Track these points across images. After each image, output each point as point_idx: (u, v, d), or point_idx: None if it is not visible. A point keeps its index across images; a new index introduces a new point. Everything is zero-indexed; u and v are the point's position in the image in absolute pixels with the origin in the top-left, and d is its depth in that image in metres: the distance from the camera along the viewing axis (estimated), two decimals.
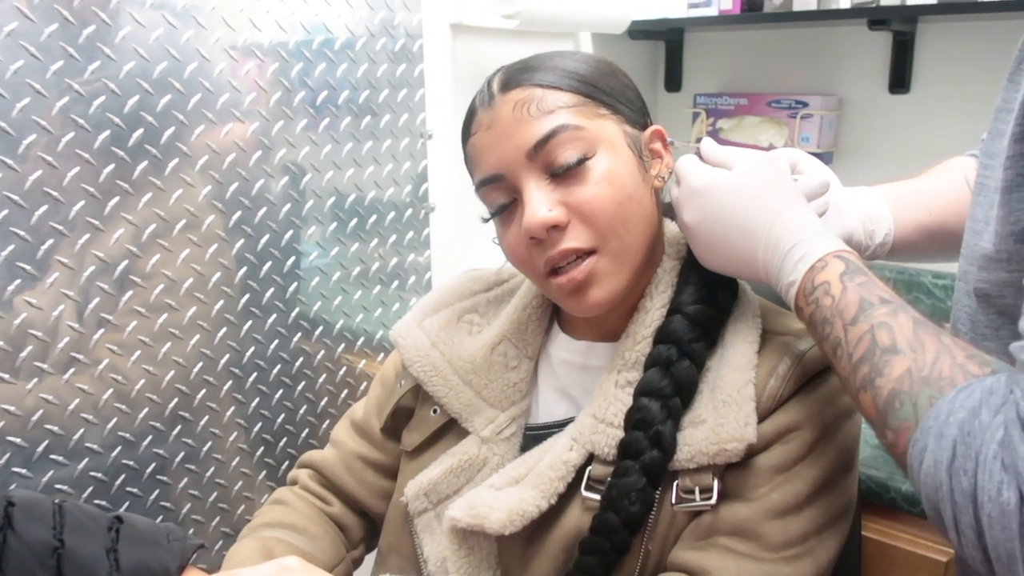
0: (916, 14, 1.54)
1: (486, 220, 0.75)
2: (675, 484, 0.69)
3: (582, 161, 0.68)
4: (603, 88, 0.72)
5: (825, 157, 1.79)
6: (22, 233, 0.94)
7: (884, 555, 1.15)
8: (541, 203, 0.68)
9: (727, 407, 0.67)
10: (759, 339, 0.71)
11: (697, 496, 0.68)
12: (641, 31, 1.87)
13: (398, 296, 1.45)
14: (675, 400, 0.69)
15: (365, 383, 1.40)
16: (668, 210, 0.83)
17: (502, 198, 0.72)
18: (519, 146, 0.68)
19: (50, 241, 0.96)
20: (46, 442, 0.98)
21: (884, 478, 1.13)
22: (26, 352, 0.96)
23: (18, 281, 0.94)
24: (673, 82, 2.07)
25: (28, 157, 0.93)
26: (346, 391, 1.37)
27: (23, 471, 0.96)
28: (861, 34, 1.70)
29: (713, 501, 0.67)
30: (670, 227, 0.79)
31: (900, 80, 1.71)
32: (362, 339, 1.39)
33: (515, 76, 0.71)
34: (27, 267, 0.95)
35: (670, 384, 0.69)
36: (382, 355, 1.42)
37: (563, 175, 0.68)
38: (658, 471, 0.68)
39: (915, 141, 1.72)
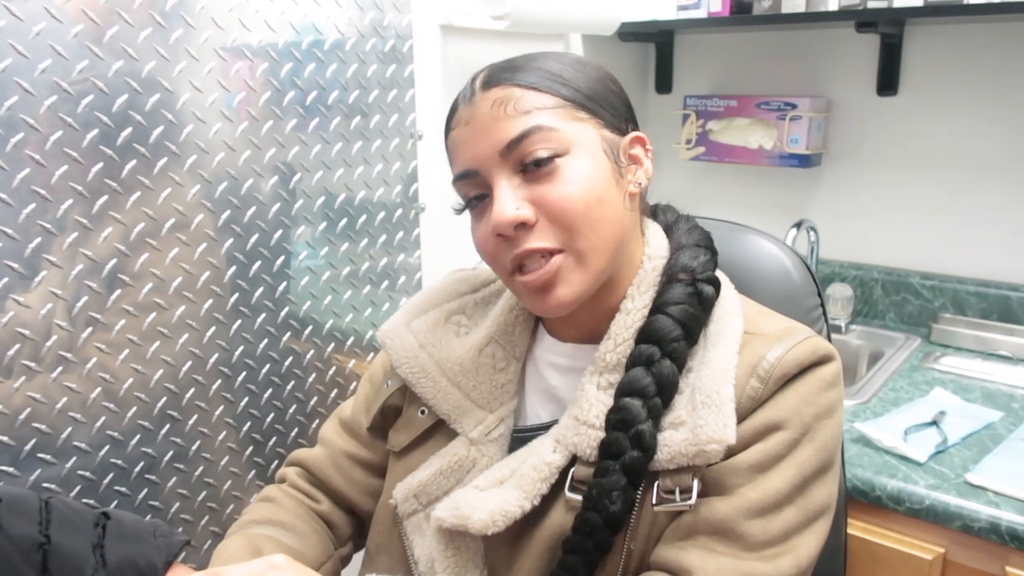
0: (903, 17, 1.55)
1: (459, 211, 0.76)
2: (656, 484, 0.69)
3: (553, 161, 0.69)
4: (584, 92, 0.72)
5: (814, 159, 1.80)
6: (10, 232, 0.94)
7: (869, 553, 1.15)
8: (510, 201, 0.68)
9: (706, 408, 0.67)
10: (740, 339, 0.72)
11: (677, 496, 0.68)
12: (631, 33, 1.87)
13: (388, 296, 1.45)
14: (656, 400, 0.69)
15: (354, 383, 1.40)
16: (652, 211, 0.84)
17: (475, 193, 0.73)
18: (493, 144, 0.69)
19: (38, 240, 0.96)
20: (34, 441, 0.98)
21: (869, 476, 1.14)
22: (14, 351, 0.96)
23: (6, 280, 0.94)
24: (663, 84, 2.08)
25: (16, 156, 0.93)
26: (335, 391, 1.37)
27: (10, 470, 0.96)
28: (849, 36, 1.71)
29: (692, 501, 0.67)
30: (652, 228, 0.79)
31: (888, 82, 1.72)
32: (352, 339, 1.39)
33: (498, 74, 0.72)
34: (15, 266, 0.95)
35: (652, 383, 0.70)
36: (371, 355, 1.42)
37: (534, 174, 0.69)
38: (639, 471, 0.68)
39: (903, 142, 1.73)
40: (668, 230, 0.81)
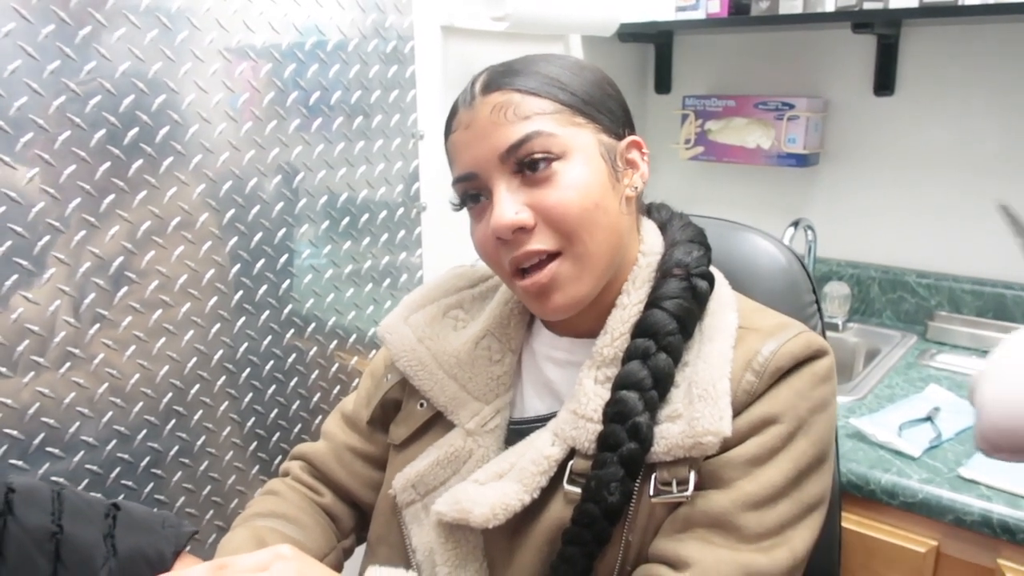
0: (899, 18, 1.56)
1: (456, 208, 0.78)
2: (653, 477, 0.71)
3: (550, 165, 0.70)
4: (582, 97, 0.73)
5: (811, 158, 1.82)
6: (19, 229, 0.96)
7: (864, 546, 1.17)
8: (509, 205, 0.70)
9: (702, 402, 0.69)
10: (735, 334, 0.73)
11: (674, 488, 0.69)
12: (630, 34, 1.89)
13: (390, 294, 1.46)
14: (652, 393, 0.71)
15: (357, 379, 1.41)
16: (646, 210, 0.86)
17: (475, 195, 0.74)
18: (493, 148, 0.71)
19: (47, 238, 0.98)
20: (42, 435, 1.00)
21: (864, 471, 1.15)
22: (23, 347, 0.97)
23: (15, 277, 0.96)
24: (662, 84, 2.09)
25: (25, 155, 0.95)
26: (338, 387, 1.39)
27: (20, 463, 0.98)
28: (846, 37, 1.73)
29: (688, 493, 0.69)
30: (647, 226, 0.81)
31: (885, 82, 1.73)
32: (354, 336, 1.41)
33: (497, 79, 0.73)
34: (24, 263, 0.97)
35: (648, 376, 0.71)
36: (373, 352, 1.43)
37: (532, 178, 0.70)
38: (636, 462, 0.70)
39: (900, 142, 1.75)
40: (662, 227, 0.82)
